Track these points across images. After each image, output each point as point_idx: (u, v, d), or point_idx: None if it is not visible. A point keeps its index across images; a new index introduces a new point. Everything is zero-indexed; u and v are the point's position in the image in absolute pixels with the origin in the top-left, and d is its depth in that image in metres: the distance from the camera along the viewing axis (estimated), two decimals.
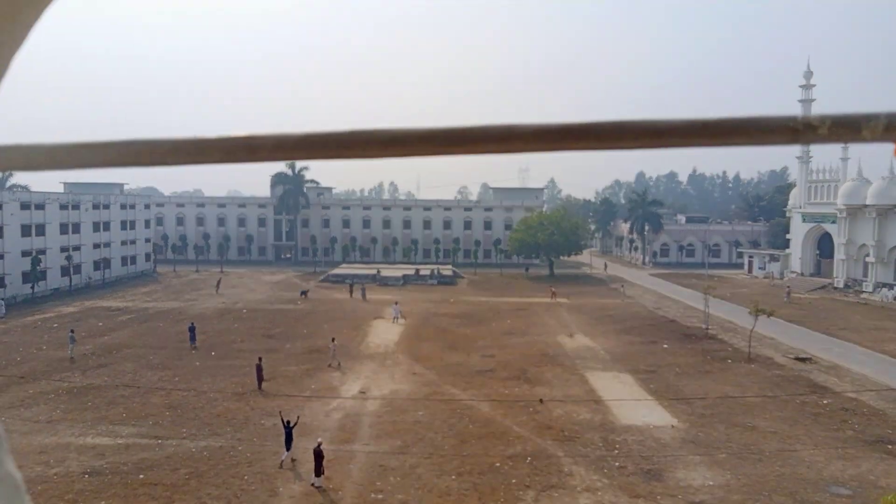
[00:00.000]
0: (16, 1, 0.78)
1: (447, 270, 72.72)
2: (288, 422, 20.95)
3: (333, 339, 34.20)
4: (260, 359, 29.98)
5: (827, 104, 68.45)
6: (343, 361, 33.50)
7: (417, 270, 71.06)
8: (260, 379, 28.67)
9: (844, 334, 41.48)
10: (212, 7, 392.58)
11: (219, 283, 62.08)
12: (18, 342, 37.67)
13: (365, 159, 0.68)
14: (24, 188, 70.81)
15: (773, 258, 76.85)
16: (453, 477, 19.70)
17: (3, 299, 48.99)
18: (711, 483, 19.52)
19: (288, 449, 20.57)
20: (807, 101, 69.66)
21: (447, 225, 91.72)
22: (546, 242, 73.09)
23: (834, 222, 65.92)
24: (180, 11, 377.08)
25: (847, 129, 0.60)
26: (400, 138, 0.65)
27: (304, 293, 56.81)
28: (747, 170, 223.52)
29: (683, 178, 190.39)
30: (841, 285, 63.76)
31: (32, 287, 55.33)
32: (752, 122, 0.61)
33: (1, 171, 0.78)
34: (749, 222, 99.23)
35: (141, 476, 19.55)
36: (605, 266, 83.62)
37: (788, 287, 61.54)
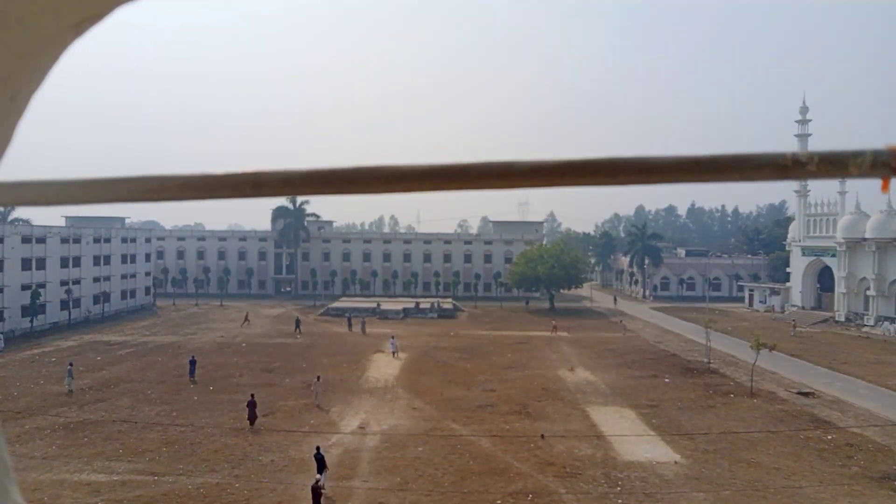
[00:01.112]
0: (35, 44, 0.81)
1: (447, 304, 72.58)
2: (318, 447, 22.16)
3: (318, 378, 32.94)
4: (252, 395, 29.17)
5: (822, 139, 69.17)
6: (342, 395, 33.23)
7: (418, 304, 70.91)
8: (252, 417, 27.81)
9: (847, 368, 41.21)
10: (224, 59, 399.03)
11: (246, 316, 62.11)
12: (16, 376, 37.42)
13: (368, 195, 0.70)
14: (26, 222, 71.08)
15: (774, 292, 76.79)
16: None
17: (1, 333, 48.79)
18: None
19: (320, 472, 20.79)
20: (803, 136, 70.39)
21: (447, 258, 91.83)
22: (546, 276, 73.10)
23: (834, 256, 66.01)
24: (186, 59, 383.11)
25: (835, 165, 0.62)
26: (402, 174, 0.67)
27: (297, 326, 56.15)
28: (746, 203, 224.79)
29: (682, 211, 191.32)
30: (842, 319, 63.56)
31: (31, 321, 55.16)
32: (743, 159, 0.62)
33: (14, 205, 0.81)
34: (749, 256, 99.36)
35: None
36: (615, 300, 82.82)
37: (794, 320, 61.35)
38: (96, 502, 19.98)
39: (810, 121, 70.53)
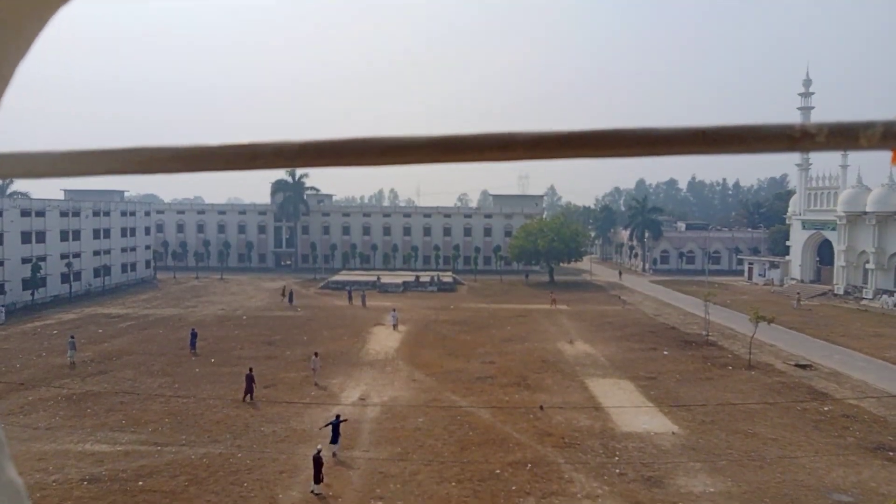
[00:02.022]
0: (20, 11, 0.79)
1: (447, 277, 72.72)
2: (338, 416, 22.48)
3: (316, 354, 32.27)
4: (251, 369, 29.07)
5: (825, 113, 68.65)
6: (343, 368, 33.47)
7: (417, 277, 71.05)
8: (250, 390, 27.67)
9: (845, 341, 41.44)
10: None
11: (291, 294, 58.02)
12: (18, 349, 37.64)
13: (364, 167, 0.68)
14: (25, 195, 70.86)
15: (774, 265, 76.87)
16: (453, 484, 19.65)
17: (3, 306, 48.95)
18: (712, 490, 19.46)
19: (334, 442, 21.53)
20: (806, 109, 69.86)
21: (447, 232, 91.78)
22: (546, 249, 73.14)
23: (834, 229, 65.96)
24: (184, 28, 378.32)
25: (844, 137, 0.60)
26: (399, 146, 0.66)
27: (291, 298, 56.17)
28: (747, 177, 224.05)
29: (683, 185, 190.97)
30: (841, 292, 63.75)
31: (32, 294, 55.33)
32: (750, 130, 0.61)
33: (4, 178, 0.79)
34: (749, 229, 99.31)
35: (140, 483, 19.50)
36: (620, 275, 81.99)
37: (798, 293, 61.52)
38: (100, 472, 20.24)
39: (813, 94, 69.94)
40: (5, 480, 0.69)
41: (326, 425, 22.23)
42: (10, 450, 0.71)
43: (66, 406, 26.90)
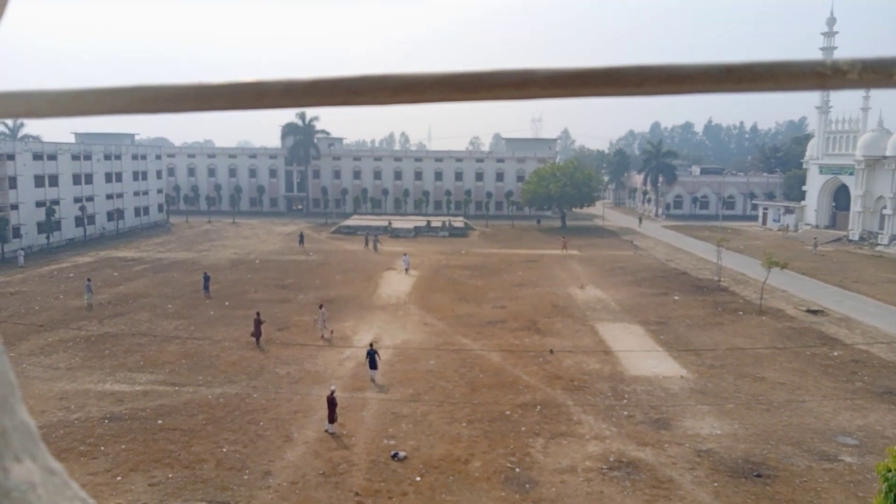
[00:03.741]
0: None
1: (458, 222, 72.62)
2: (371, 344, 24.67)
3: (321, 306, 30.76)
4: (258, 312, 29.12)
5: (849, 53, 66.49)
6: (355, 311, 33.84)
7: (429, 222, 70.99)
8: (258, 333, 27.81)
9: (857, 287, 41.29)
10: None
11: (301, 236, 59.80)
12: (36, 291, 38.27)
13: (376, 106, 0.64)
14: (36, 139, 70.79)
15: (788, 210, 76.06)
16: (464, 424, 20.06)
17: (21, 249, 49.58)
18: (719, 432, 19.77)
19: (373, 368, 23.53)
20: (828, 49, 67.78)
21: (458, 176, 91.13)
22: (558, 194, 72.59)
23: (851, 174, 64.91)
24: None
25: (878, 73, 0.57)
26: (412, 84, 0.62)
27: (301, 241, 58.08)
28: (765, 120, 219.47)
29: (699, 128, 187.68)
30: (856, 238, 63.15)
31: (48, 238, 55.89)
32: (779, 66, 0.58)
33: (4, 117, 0.77)
34: (765, 174, 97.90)
35: (159, 421, 20.05)
36: (640, 221, 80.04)
37: (815, 238, 61.01)
38: (121, 411, 20.81)
39: (837, 33, 67.70)
40: (17, 422, 0.70)
41: (368, 357, 23.82)
42: (32, 390, 0.72)
43: (84, 347, 27.49)
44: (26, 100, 0.71)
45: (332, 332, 29.54)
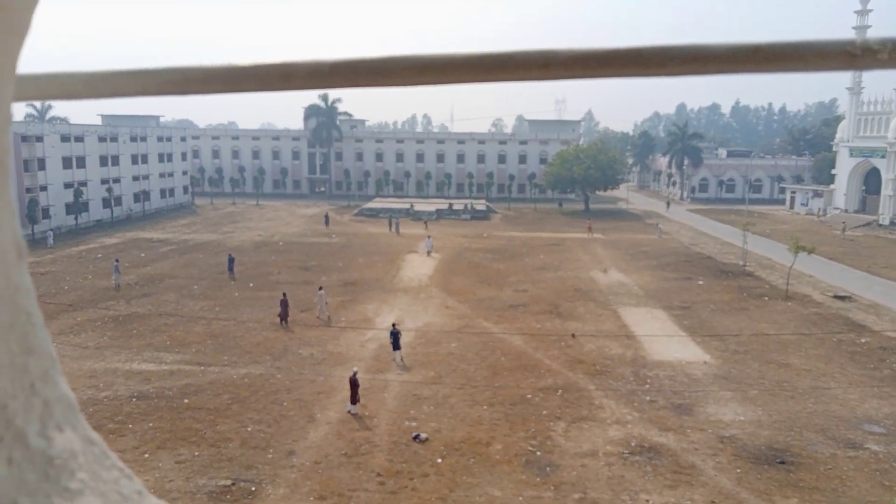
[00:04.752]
0: None
1: (480, 205, 72.42)
2: (394, 324, 24.96)
3: (321, 288, 30.94)
4: (284, 294, 29.38)
5: (884, 33, 64.77)
6: (378, 293, 34.00)
7: (451, 205, 70.91)
8: (284, 314, 28.16)
9: (887, 272, 40.51)
10: None
11: (326, 216, 61.95)
12: (66, 271, 39.00)
13: (401, 86, 0.65)
14: (64, 120, 71.78)
15: (817, 194, 74.63)
16: (485, 407, 20.15)
17: (51, 230, 50.50)
18: (742, 418, 19.63)
19: (397, 348, 23.74)
20: (862, 28, 66.01)
21: (481, 159, 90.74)
22: (582, 176, 71.99)
23: (883, 157, 63.43)
24: None
25: None
26: (436, 64, 0.62)
27: (326, 222, 59.83)
28: (794, 102, 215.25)
29: (726, 109, 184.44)
30: (886, 222, 61.87)
31: (76, 218, 56.82)
32: (807, 46, 0.57)
33: (39, 99, 0.78)
34: (793, 157, 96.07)
35: (186, 400, 20.42)
36: (668, 205, 78.70)
37: (844, 222, 59.93)
38: (148, 389, 21.21)
39: (871, 11, 65.86)
40: (59, 394, 0.72)
41: (392, 337, 23.97)
42: (62, 367, 0.74)
43: (112, 327, 28.01)
44: (61, 81, 0.73)
45: (328, 316, 29.54)
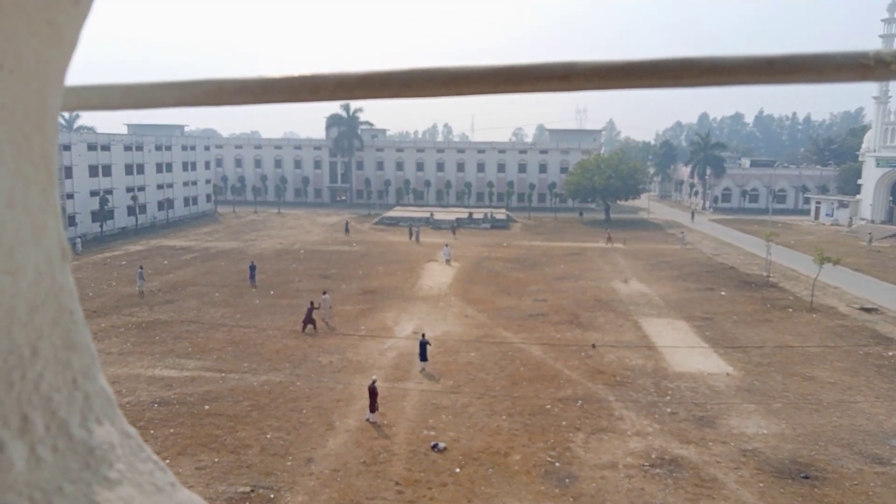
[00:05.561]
0: None
1: (501, 214, 72.38)
2: (423, 334, 25.05)
3: (325, 293, 31.17)
4: (312, 302, 29.34)
5: None
6: (397, 302, 34.06)
7: (471, 214, 70.95)
8: (310, 321, 28.20)
9: None
10: None
11: (347, 224, 63.48)
12: (91, 278, 39.60)
13: (425, 98, 0.67)
14: (91, 129, 73.13)
15: (843, 204, 73.47)
16: (504, 417, 20.05)
17: (78, 237, 51.37)
18: (765, 431, 19.32)
19: (423, 360, 23.80)
20: (889, 37, 65.11)
21: (501, 168, 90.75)
22: (603, 186, 71.65)
23: None
24: None
25: None
26: (460, 76, 0.65)
27: (346, 227, 61.10)
28: (819, 111, 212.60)
29: (749, 119, 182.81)
30: None
31: (101, 226, 57.72)
32: (821, 58, 0.58)
33: (80, 110, 0.82)
34: (818, 167, 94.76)
35: (206, 407, 20.58)
36: (693, 216, 77.44)
37: (870, 233, 58.99)
38: (169, 395, 21.43)
39: None
40: (98, 388, 0.76)
41: (421, 347, 24.05)
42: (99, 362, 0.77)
43: (136, 333, 28.37)
44: (102, 93, 0.77)
45: (328, 320, 29.85)
